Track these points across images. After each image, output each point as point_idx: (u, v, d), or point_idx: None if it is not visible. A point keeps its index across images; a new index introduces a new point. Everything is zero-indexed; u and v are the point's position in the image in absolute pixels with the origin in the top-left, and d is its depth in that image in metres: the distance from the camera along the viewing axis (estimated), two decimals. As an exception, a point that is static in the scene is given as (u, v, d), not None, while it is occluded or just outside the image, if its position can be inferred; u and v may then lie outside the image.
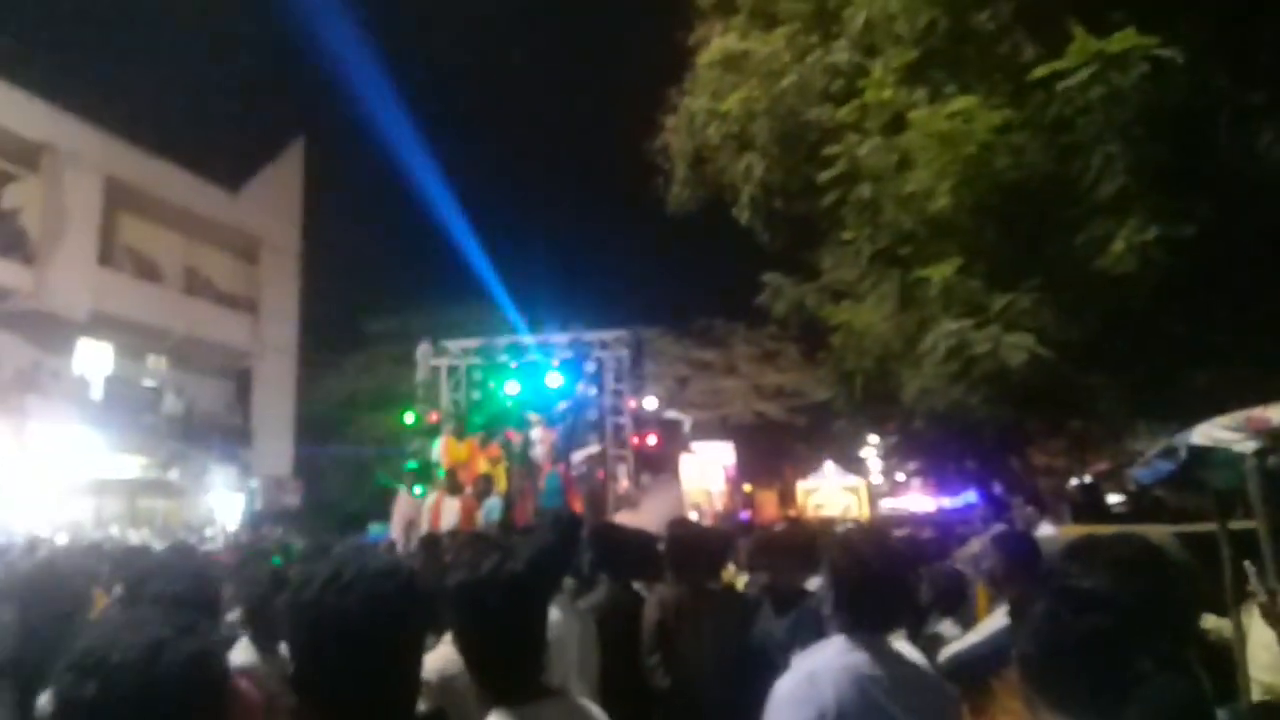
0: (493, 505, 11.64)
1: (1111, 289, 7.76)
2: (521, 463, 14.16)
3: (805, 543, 5.18)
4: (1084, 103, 7.36)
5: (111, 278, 21.34)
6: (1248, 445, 4.06)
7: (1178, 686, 1.79)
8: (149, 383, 22.45)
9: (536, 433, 14.69)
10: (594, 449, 14.97)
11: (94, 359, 20.00)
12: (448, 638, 2.60)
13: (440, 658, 2.71)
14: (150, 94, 22.52)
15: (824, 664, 2.54)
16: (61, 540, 12.21)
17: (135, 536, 13.64)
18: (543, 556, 2.67)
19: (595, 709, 2.30)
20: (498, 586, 2.10)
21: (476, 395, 16.60)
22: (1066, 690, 1.58)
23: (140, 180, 22.31)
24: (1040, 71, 7.48)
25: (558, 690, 2.25)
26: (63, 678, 1.31)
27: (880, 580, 2.71)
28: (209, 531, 16.57)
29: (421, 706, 1.72)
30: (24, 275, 18.81)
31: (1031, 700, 1.68)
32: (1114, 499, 9.34)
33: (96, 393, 19.72)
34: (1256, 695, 4.14)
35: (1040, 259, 8.35)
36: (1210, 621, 4.43)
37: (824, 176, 9.23)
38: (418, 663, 1.61)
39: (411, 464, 14.74)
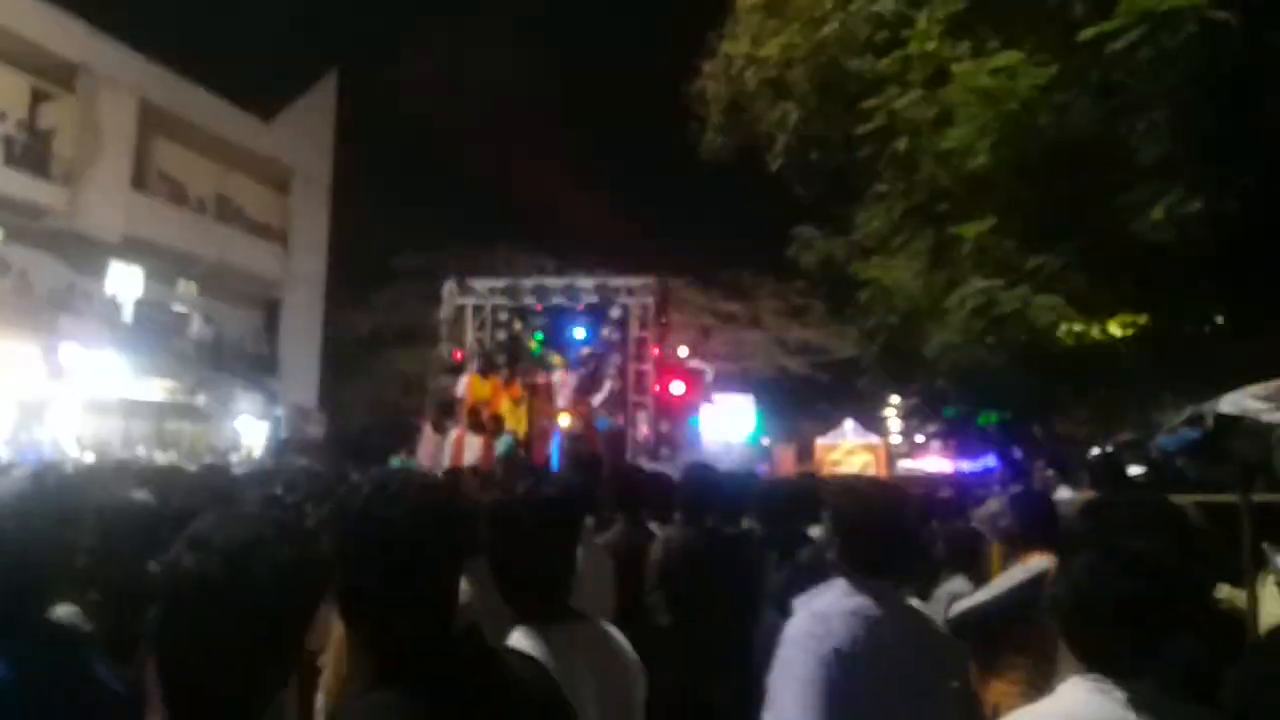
0: (503, 441, 11.75)
1: (1147, 257, 7.65)
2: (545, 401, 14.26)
3: (807, 491, 5.22)
4: (1132, 65, 7.18)
5: (144, 201, 21.48)
6: (1277, 416, 4.02)
7: (1197, 648, 1.82)
8: (178, 308, 22.70)
9: (558, 375, 14.77)
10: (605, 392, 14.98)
11: (125, 282, 20.21)
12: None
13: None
14: (187, 18, 22.47)
15: (831, 605, 2.58)
16: (88, 459, 12.46)
17: (162, 459, 13.94)
18: (573, 487, 2.72)
19: (617, 633, 2.36)
20: (533, 507, 2.18)
21: (501, 335, 16.68)
22: (1098, 643, 1.63)
23: (175, 104, 22.34)
24: (1088, 33, 7.27)
25: (583, 613, 2.30)
26: (180, 556, 1.33)
27: (883, 525, 2.73)
28: (234, 457, 16.91)
29: None
30: (58, 195, 18.95)
31: (1052, 643, 1.73)
32: (1135, 470, 9.30)
33: (127, 315, 19.99)
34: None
35: (1076, 222, 8.22)
36: (1224, 591, 4.44)
37: (862, 129, 9.09)
38: (458, 578, 1.60)
39: (436, 402, 14.90)
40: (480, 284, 17.19)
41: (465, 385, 13.92)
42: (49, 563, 1.84)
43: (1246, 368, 5.09)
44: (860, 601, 2.57)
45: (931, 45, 8.64)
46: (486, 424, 12.05)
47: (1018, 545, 4.21)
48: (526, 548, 2.15)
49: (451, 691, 1.47)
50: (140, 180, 21.68)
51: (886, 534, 2.74)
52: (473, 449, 11.81)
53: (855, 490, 2.95)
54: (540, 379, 14.90)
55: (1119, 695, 1.56)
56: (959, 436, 23.39)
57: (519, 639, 2.08)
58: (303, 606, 1.41)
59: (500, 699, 1.55)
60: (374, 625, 1.49)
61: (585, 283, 16.78)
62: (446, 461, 11.55)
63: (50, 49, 19.05)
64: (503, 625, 2.14)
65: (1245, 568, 4.37)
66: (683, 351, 18.08)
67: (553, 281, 17.27)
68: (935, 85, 8.62)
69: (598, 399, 14.51)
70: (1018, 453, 13.43)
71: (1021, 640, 3.64)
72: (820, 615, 2.54)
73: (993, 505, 6.04)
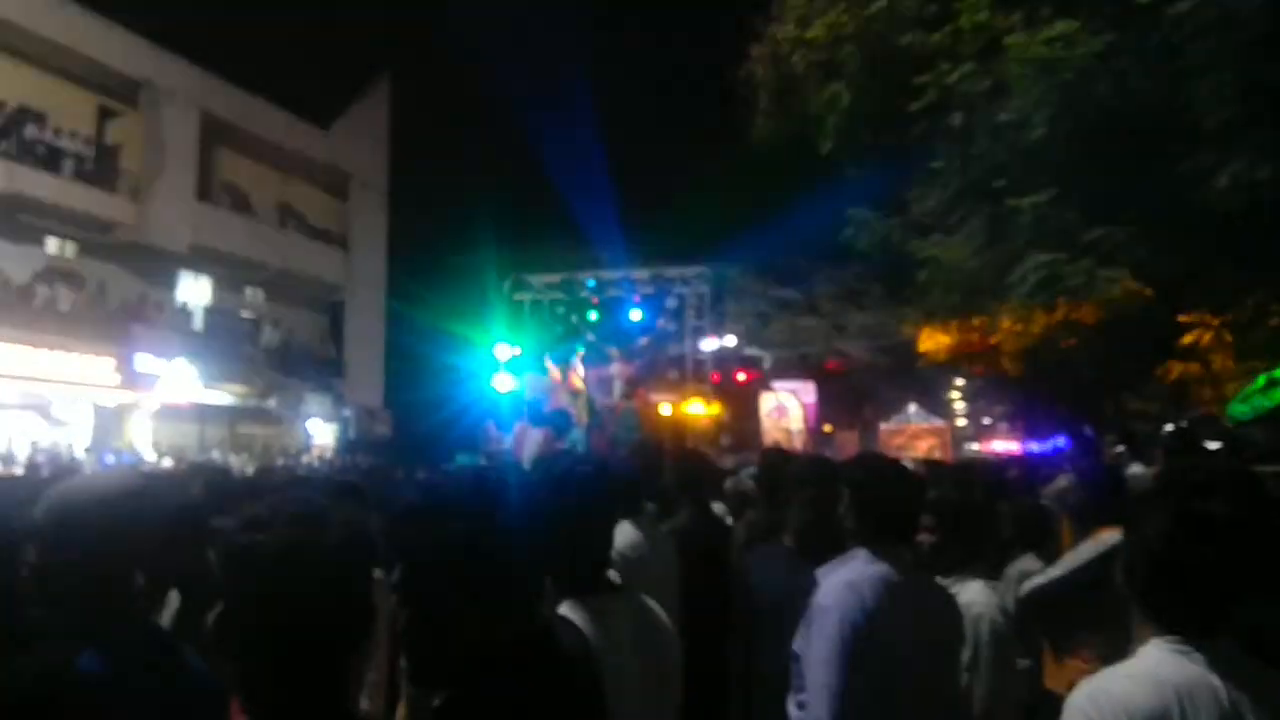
0: (575, 437, 11.90)
1: (1215, 225, 7.44)
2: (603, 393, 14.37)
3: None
4: (1194, 27, 6.98)
5: (210, 212, 22.15)
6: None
7: (1269, 611, 1.80)
8: (247, 314, 23.39)
9: (615, 367, 14.86)
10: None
11: (195, 290, 20.92)
12: None
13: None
14: (244, 32, 23.04)
15: (860, 573, 2.65)
16: (165, 464, 12.89)
17: (235, 462, 14.40)
18: (611, 467, 2.81)
19: (655, 605, 2.42)
20: (570, 486, 2.25)
21: (559, 330, 16.85)
22: (1170, 607, 1.62)
23: (236, 116, 23.02)
24: None
25: (623, 586, 2.38)
26: (234, 535, 1.34)
27: (895, 492, 2.83)
28: (305, 458, 17.37)
29: None
30: (127, 209, 19.64)
31: (1127, 610, 1.71)
32: (1211, 445, 9.03)
33: (197, 323, 20.67)
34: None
35: (1139, 192, 8.02)
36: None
37: (914, 105, 8.97)
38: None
39: (500, 399, 15.12)
40: (537, 279, 17.38)
41: (526, 380, 14.11)
42: (144, 558, 1.88)
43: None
44: (883, 568, 2.65)
45: (983, 17, 8.49)
46: (549, 417, 12.21)
47: (1088, 521, 4.14)
48: (566, 526, 2.20)
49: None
50: (205, 191, 22.34)
51: (899, 501, 2.83)
52: (532, 441, 11.98)
53: (867, 461, 3.06)
54: (600, 370, 15.02)
55: (1199, 657, 1.56)
56: (1026, 416, 22.90)
57: (564, 611, 2.15)
58: (365, 567, 1.42)
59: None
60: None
61: (640, 274, 16.85)
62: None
63: (115, 67, 19.73)
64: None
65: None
66: (731, 340, 18.02)
67: (608, 274, 17.36)
68: (988, 58, 8.47)
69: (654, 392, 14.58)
70: (1088, 431, 13.11)
71: (1094, 616, 3.51)
72: (851, 584, 2.61)
73: (1062, 482, 5.95)
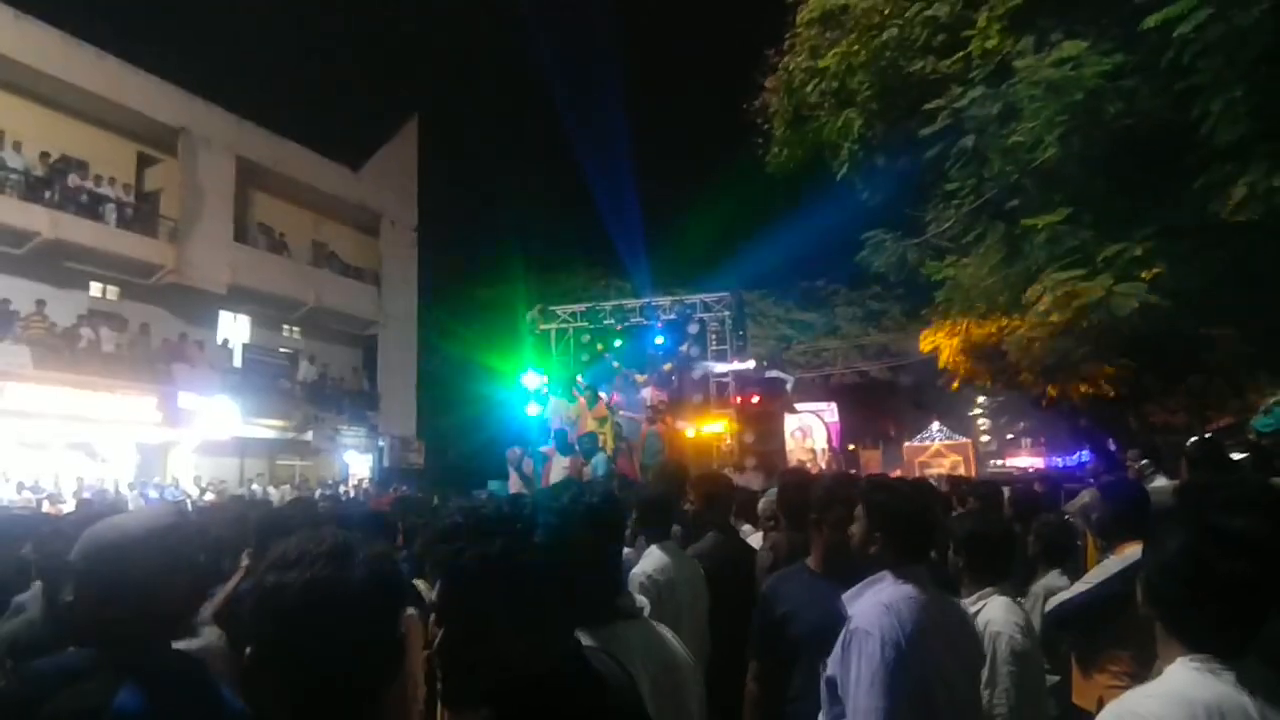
0: (599, 461, 11.99)
1: (1233, 237, 7.48)
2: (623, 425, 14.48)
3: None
4: (1203, 45, 7.07)
5: (246, 253, 22.71)
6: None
7: None
8: (284, 350, 23.85)
9: (648, 393, 14.97)
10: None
11: (234, 329, 21.43)
12: None
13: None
14: (276, 78, 23.72)
15: (893, 596, 2.69)
16: (208, 498, 13.12)
17: (275, 494, 14.63)
18: (620, 494, 2.86)
19: (669, 633, 2.45)
20: (575, 516, 2.26)
21: (584, 358, 17.01)
22: (1195, 625, 1.61)
23: (269, 160, 23.66)
24: (1153, 19, 7.19)
25: (636, 613, 2.40)
26: (262, 575, 1.35)
27: (916, 513, 2.88)
28: (342, 489, 17.62)
29: None
30: (168, 252, 20.21)
31: (1151, 627, 1.71)
32: (1236, 456, 8.99)
33: (236, 360, 21.10)
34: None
35: (1153, 208, 8.09)
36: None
37: (926, 130, 9.10)
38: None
39: (529, 427, 15.27)
40: (562, 309, 17.59)
41: (551, 409, 14.24)
42: (177, 593, 1.91)
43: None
44: (911, 590, 2.71)
45: (992, 42, 8.63)
46: (580, 444, 12.31)
47: (1112, 536, 4.09)
48: (573, 554, 2.17)
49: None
50: (241, 233, 22.91)
51: (918, 521, 2.88)
52: (559, 470, 12.08)
53: (886, 485, 3.08)
54: (631, 396, 15.13)
55: (1228, 675, 1.55)
56: (1049, 432, 22.75)
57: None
58: (393, 606, 1.43)
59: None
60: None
61: (663, 301, 17.03)
62: (538, 484, 11.84)
63: (153, 116, 20.36)
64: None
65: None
66: (752, 363, 18.13)
67: (631, 302, 17.57)
68: (998, 81, 8.60)
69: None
70: (1111, 445, 13.05)
71: (1121, 632, 3.60)
72: (889, 606, 2.65)
73: (1085, 497, 5.96)
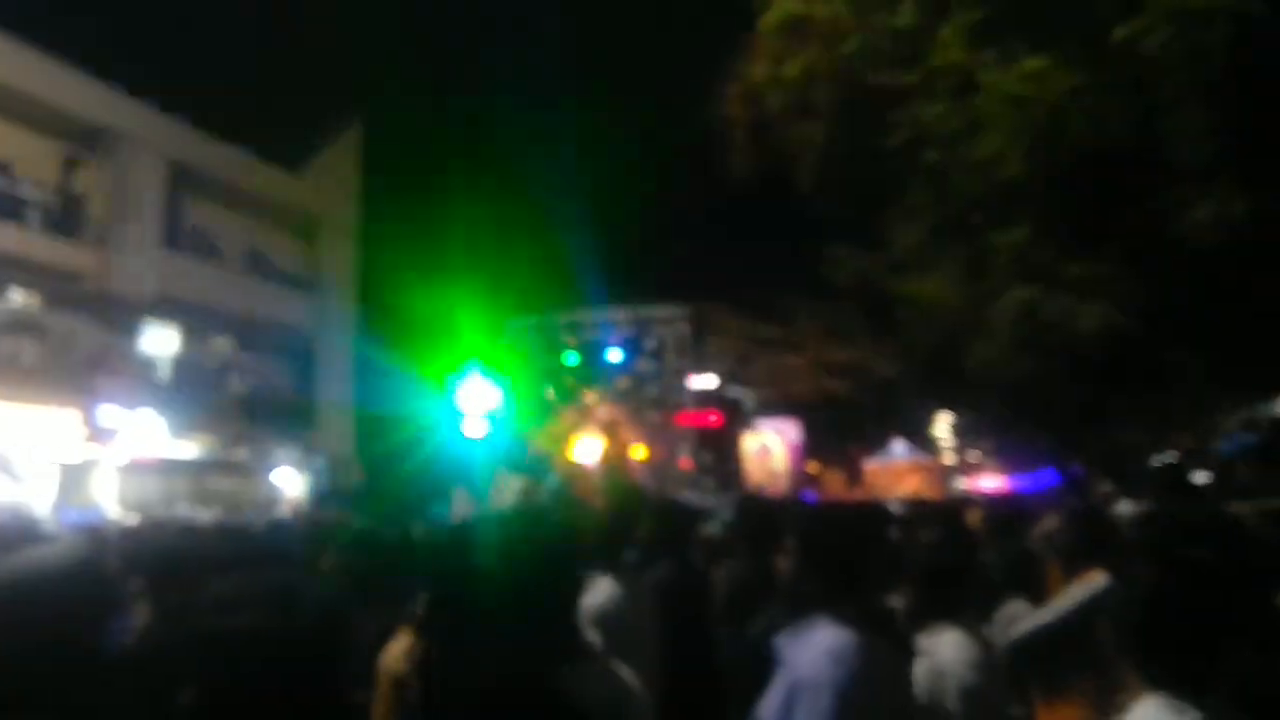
0: (551, 483, 11.71)
1: (1194, 259, 7.43)
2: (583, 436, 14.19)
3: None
4: (1166, 62, 7.01)
5: (176, 259, 21.87)
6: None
7: (1265, 664, 1.75)
8: (214, 363, 23.03)
9: (603, 410, 14.72)
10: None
11: (161, 340, 20.57)
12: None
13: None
14: (211, 77, 23.10)
15: (835, 641, 2.47)
16: (131, 520, 12.52)
17: (204, 515, 14.02)
18: (580, 525, 2.70)
19: (625, 670, 2.32)
20: (525, 555, 2.13)
21: (537, 372, 16.69)
22: (1158, 659, 1.59)
23: (202, 162, 22.81)
24: (1121, 33, 7.12)
25: (591, 653, 2.28)
26: (203, 617, 1.33)
27: (854, 547, 2.66)
28: (276, 511, 16.97)
29: None
30: (91, 258, 19.41)
31: (1115, 664, 1.72)
32: (1199, 478, 8.99)
33: (164, 373, 20.31)
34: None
35: (1118, 226, 8.02)
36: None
37: (889, 143, 8.97)
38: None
39: (475, 445, 14.92)
40: (513, 322, 17.25)
41: (502, 425, 13.90)
42: (87, 637, 1.81)
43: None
44: (853, 635, 2.48)
45: (956, 55, 8.51)
46: (527, 464, 12.02)
47: (1076, 563, 4.08)
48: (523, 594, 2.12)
49: None
50: (171, 238, 22.09)
51: (860, 557, 2.65)
52: (512, 489, 11.79)
53: (823, 515, 2.90)
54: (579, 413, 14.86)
55: (1194, 714, 1.52)
56: (1013, 452, 22.86)
57: None
58: (339, 648, 1.42)
59: None
60: None
61: (620, 314, 16.78)
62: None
63: (79, 115, 19.56)
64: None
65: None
66: (714, 381, 17.94)
67: (586, 315, 17.27)
68: (962, 95, 8.48)
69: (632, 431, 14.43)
70: (1075, 467, 13.05)
71: (1084, 662, 3.53)
72: (835, 655, 2.44)
73: (1049, 523, 5.84)
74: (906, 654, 2.77)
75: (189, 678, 1.33)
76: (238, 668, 1.30)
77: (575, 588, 2.27)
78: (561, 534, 2.30)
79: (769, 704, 2.50)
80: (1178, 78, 7.08)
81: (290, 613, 1.33)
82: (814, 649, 2.49)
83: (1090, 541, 4.02)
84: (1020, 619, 4.29)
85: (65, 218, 19.23)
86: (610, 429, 14.29)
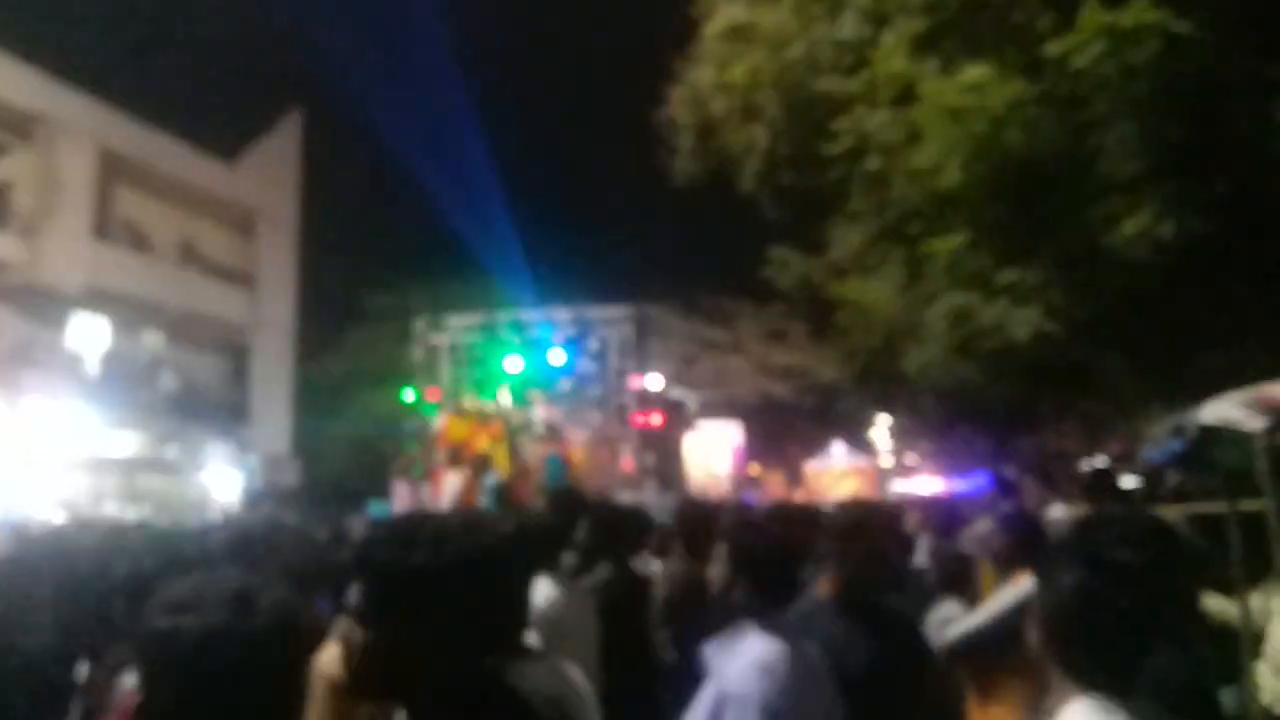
0: (490, 483, 11.58)
1: (1123, 270, 7.64)
2: (526, 438, 14.08)
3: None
4: (1097, 79, 7.20)
5: (106, 251, 21.21)
6: (1257, 424, 3.96)
7: (1184, 662, 1.79)
8: (145, 358, 22.32)
9: (539, 411, 14.61)
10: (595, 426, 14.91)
11: (89, 333, 19.83)
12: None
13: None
14: (145, 63, 22.43)
15: (759, 652, 2.50)
16: (59, 519, 12.11)
17: (133, 514, 13.60)
18: (524, 529, 2.69)
19: (575, 670, 2.32)
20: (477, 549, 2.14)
21: (478, 372, 16.48)
22: (1086, 660, 1.60)
23: (135, 151, 22.11)
24: (1055, 48, 7.30)
25: (538, 652, 2.30)
26: (155, 618, 1.29)
27: (784, 556, 2.73)
28: (208, 510, 16.50)
29: None
30: (18, 248, 18.75)
31: (1044, 666, 1.69)
32: (1128, 482, 9.27)
33: (92, 368, 19.64)
34: (1266, 698, 4.09)
35: (1051, 236, 8.21)
36: (1214, 603, 4.39)
37: (832, 150, 9.07)
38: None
39: (407, 447, 14.73)
40: (455, 320, 17.02)
41: (442, 425, 13.75)
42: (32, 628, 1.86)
43: (1228, 374, 5.06)
44: (781, 645, 2.51)
45: (897, 65, 8.65)
46: (469, 463, 11.89)
47: (1008, 565, 4.15)
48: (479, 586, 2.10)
49: None
50: (102, 229, 21.37)
51: (789, 566, 2.72)
52: (451, 485, 11.65)
53: (753, 523, 2.94)
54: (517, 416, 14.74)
55: (1122, 715, 1.53)
56: (948, 456, 23.32)
57: None
58: (302, 651, 1.41)
59: None
60: None
61: (563, 314, 16.64)
62: (426, 501, 11.38)
63: (6, 99, 18.86)
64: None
65: (1235, 578, 4.32)
66: (658, 382, 17.92)
67: (529, 314, 17.10)
68: (903, 104, 8.62)
69: (576, 435, 14.37)
70: (1009, 470, 13.35)
71: (1016, 663, 3.57)
72: (765, 666, 2.46)
73: (982, 526, 5.95)
74: (818, 665, 2.75)
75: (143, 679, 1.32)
76: (183, 669, 1.27)
77: (519, 585, 2.25)
78: (503, 532, 2.27)
79: (697, 713, 2.49)
80: (1110, 93, 7.27)
81: (245, 613, 1.31)
82: (743, 659, 2.48)
83: (1022, 544, 4.11)
84: (953, 620, 4.38)
85: (-10, 206, 18.53)
86: (551, 431, 14.18)
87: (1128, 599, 1.57)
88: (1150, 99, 7.09)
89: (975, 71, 8.03)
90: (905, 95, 8.63)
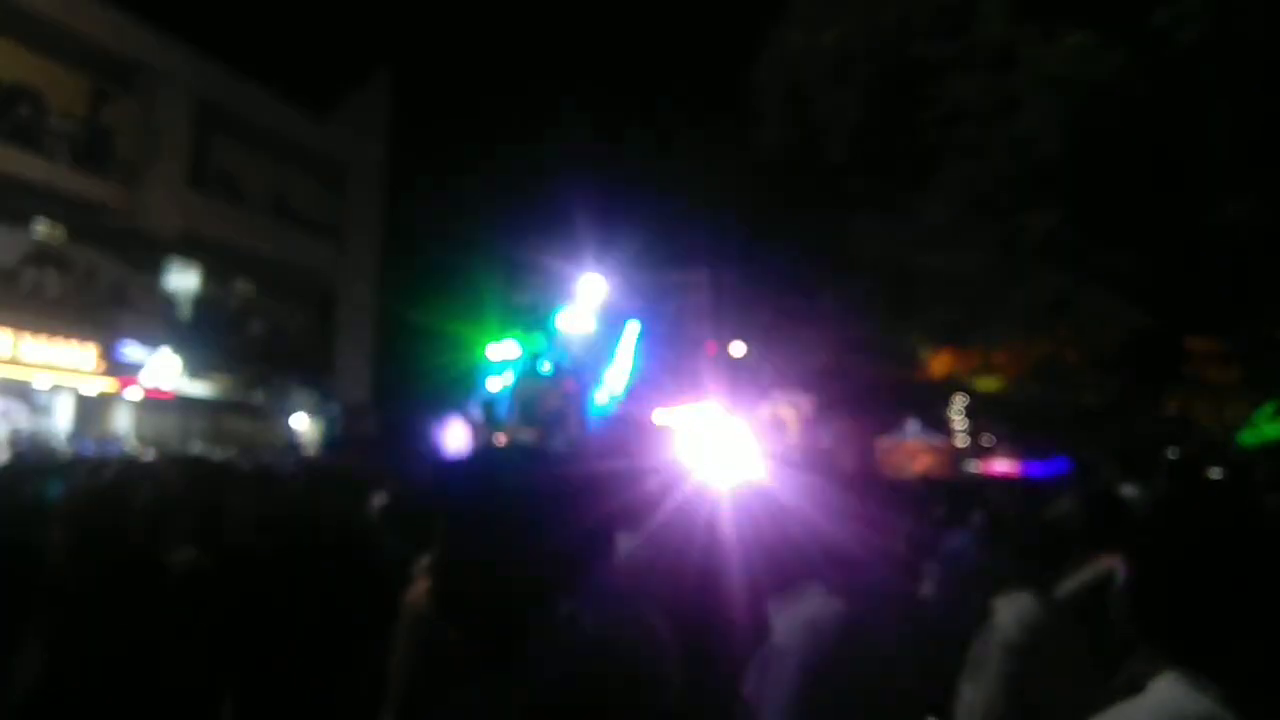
0: (564, 437, 11.74)
1: (1223, 251, 7.30)
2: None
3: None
4: (1204, 48, 6.83)
5: (201, 199, 21.80)
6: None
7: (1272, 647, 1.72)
8: (235, 305, 23.06)
9: (613, 373, 14.67)
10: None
11: (183, 279, 20.59)
12: None
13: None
14: (243, 15, 22.83)
15: (814, 610, 2.42)
16: (147, 455, 12.68)
17: (219, 455, 14.12)
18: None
19: (660, 622, 2.32)
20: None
21: (556, 331, 16.66)
22: (1181, 639, 1.52)
23: (231, 102, 22.63)
24: (1159, 20, 6.94)
25: (625, 598, 2.27)
26: (229, 535, 1.46)
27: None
28: (290, 454, 17.06)
29: None
30: (118, 193, 19.37)
31: (1133, 642, 1.63)
32: (1215, 472, 8.87)
33: (184, 312, 20.36)
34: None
35: (1148, 215, 7.86)
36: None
37: (925, 116, 8.80)
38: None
39: (488, 399, 14.96)
40: (536, 278, 17.19)
41: (521, 379, 13.91)
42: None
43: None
44: (840, 605, 2.42)
45: (998, 27, 8.32)
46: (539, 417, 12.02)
47: (1085, 546, 4.07)
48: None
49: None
50: (198, 178, 22.01)
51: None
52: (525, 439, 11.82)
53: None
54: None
55: (1215, 692, 1.45)
56: (1027, 437, 22.67)
57: None
58: (363, 562, 1.63)
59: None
60: None
61: (642, 278, 16.64)
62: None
63: (111, 48, 19.45)
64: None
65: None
66: (738, 349, 17.83)
67: (608, 276, 17.17)
68: (1002, 70, 8.30)
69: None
70: (1088, 455, 12.90)
71: (1088, 645, 3.52)
72: (810, 623, 2.43)
73: (1059, 506, 5.82)
74: (895, 626, 2.72)
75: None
76: (257, 584, 1.39)
77: (602, 532, 2.24)
78: (581, 477, 2.28)
79: (751, 667, 2.49)
80: (1215, 68, 6.90)
81: (312, 531, 1.44)
82: (796, 617, 2.47)
83: (1099, 525, 4.00)
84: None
85: (92, 151, 19.17)
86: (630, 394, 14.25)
87: (1218, 577, 1.50)
88: (1261, 77, 6.70)
89: (1078, 38, 7.70)
90: (1004, 61, 8.31)
